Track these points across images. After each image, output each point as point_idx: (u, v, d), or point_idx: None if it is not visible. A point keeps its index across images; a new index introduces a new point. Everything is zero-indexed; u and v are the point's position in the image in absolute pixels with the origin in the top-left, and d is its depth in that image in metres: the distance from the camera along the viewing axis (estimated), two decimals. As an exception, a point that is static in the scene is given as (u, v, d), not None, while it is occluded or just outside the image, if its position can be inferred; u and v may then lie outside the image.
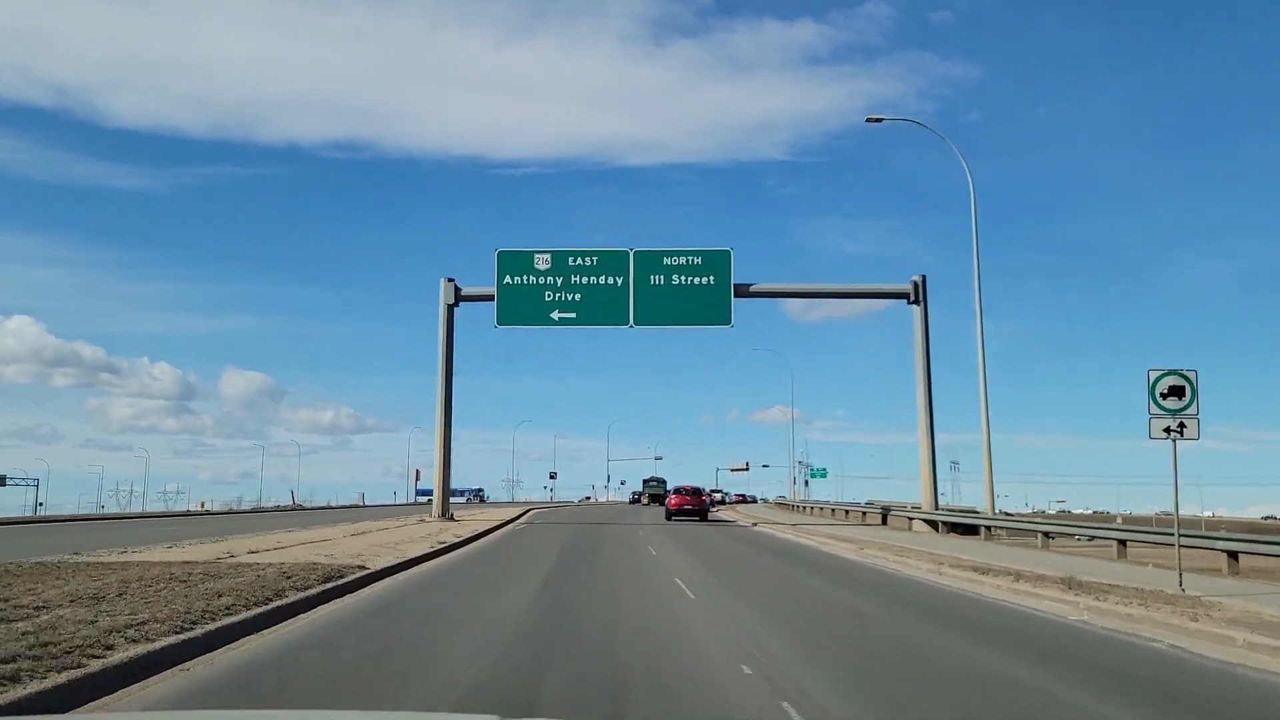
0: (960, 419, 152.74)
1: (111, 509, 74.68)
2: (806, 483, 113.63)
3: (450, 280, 38.64)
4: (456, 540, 24.29)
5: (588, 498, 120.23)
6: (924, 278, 37.07)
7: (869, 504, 50.75)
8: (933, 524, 33.89)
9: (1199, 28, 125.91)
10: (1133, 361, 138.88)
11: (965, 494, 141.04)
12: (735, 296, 37.28)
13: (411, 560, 18.00)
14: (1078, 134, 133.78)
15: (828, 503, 64.55)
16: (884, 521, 40.37)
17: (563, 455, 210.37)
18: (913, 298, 37.06)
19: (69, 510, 67.20)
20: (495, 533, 30.40)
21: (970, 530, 31.34)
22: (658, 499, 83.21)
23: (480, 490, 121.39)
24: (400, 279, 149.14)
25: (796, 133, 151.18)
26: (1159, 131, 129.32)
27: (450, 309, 38.67)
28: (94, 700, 6.59)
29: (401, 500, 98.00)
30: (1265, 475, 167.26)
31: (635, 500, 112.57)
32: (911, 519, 36.39)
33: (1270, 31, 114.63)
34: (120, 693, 6.87)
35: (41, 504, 75.58)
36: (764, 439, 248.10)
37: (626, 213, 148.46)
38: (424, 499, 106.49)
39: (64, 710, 6.19)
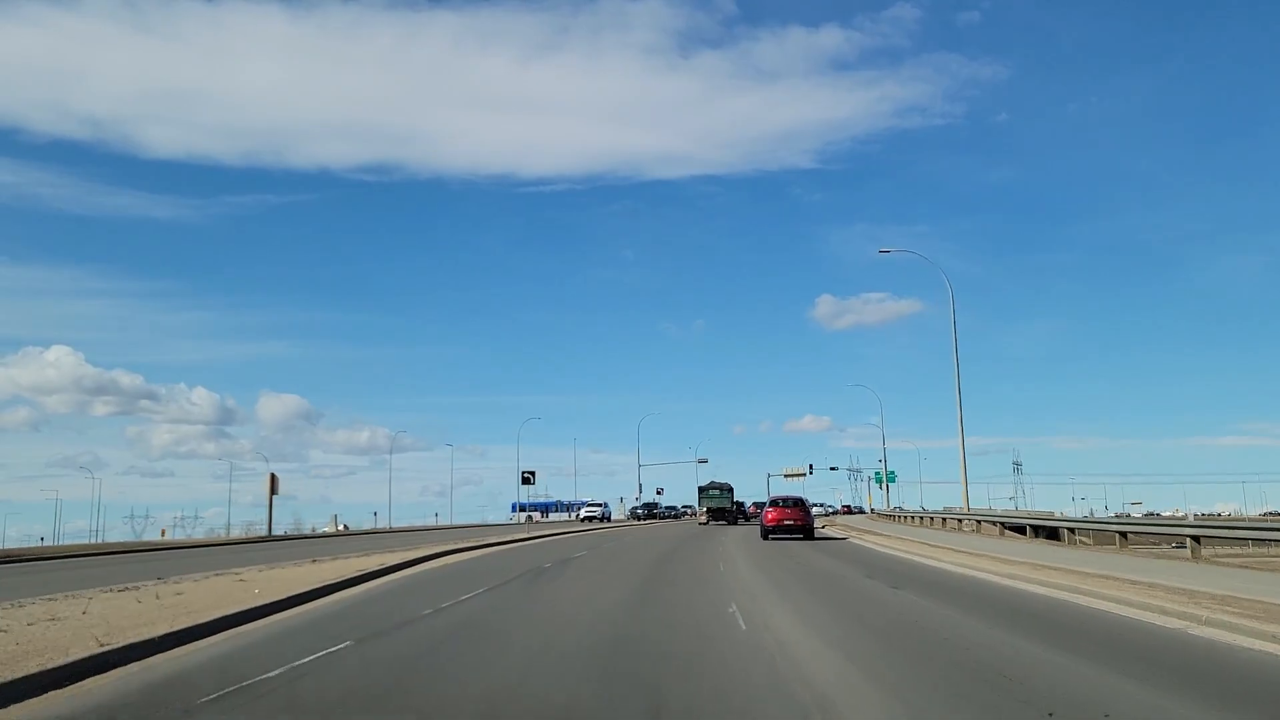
0: (1009, 422, 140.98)
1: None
2: (887, 487, 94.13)
3: None
4: None
5: (652, 508, 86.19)
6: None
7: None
8: None
9: (1225, 20, 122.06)
10: (1167, 360, 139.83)
11: (1031, 498, 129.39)
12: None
13: None
14: (1107, 131, 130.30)
15: (978, 513, 42.65)
16: None
17: (597, 470, 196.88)
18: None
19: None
20: None
21: None
22: (722, 515, 61.34)
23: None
24: (431, 299, 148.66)
25: (823, 139, 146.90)
26: (1189, 126, 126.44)
27: None
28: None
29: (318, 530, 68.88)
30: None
31: (660, 514, 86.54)
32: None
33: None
34: None
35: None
36: (799, 448, 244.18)
37: (654, 226, 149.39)
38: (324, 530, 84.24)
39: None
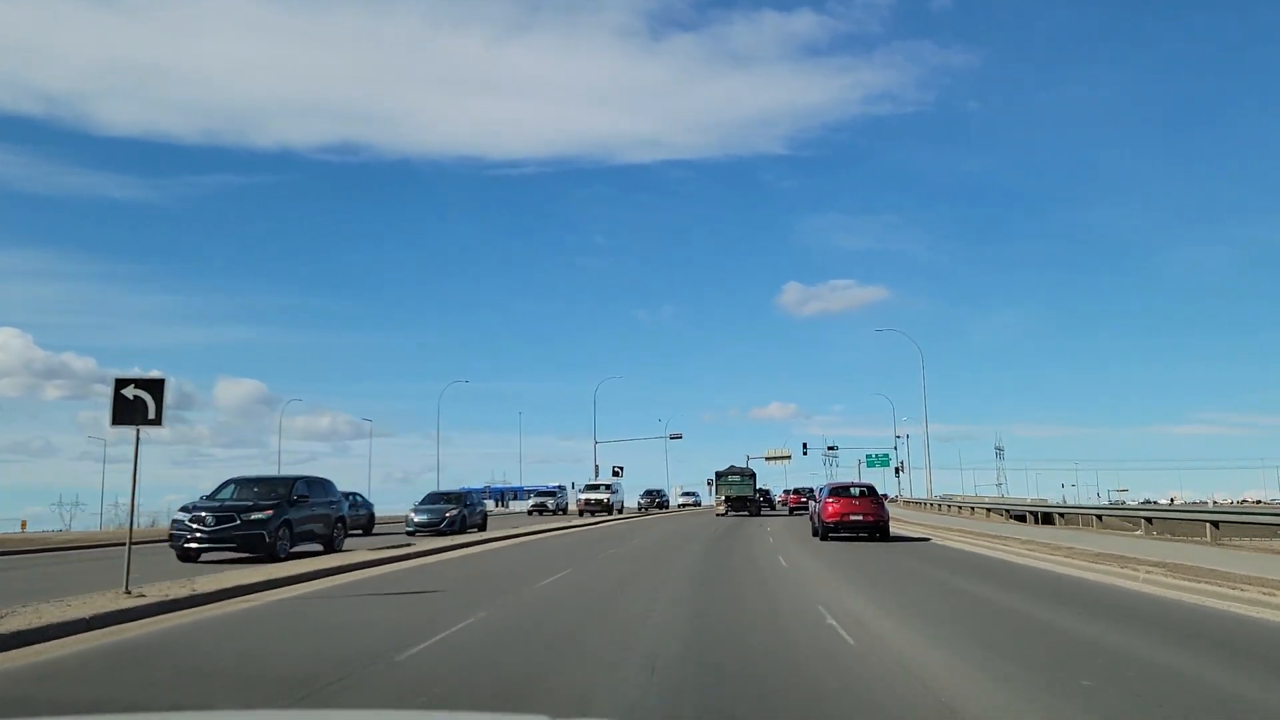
0: (972, 409, 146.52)
1: None
2: (930, 473, 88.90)
3: None
4: None
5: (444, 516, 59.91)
6: None
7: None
8: None
9: (1199, 9, 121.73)
10: (1128, 350, 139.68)
11: (1008, 485, 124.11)
12: None
13: None
14: (1077, 121, 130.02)
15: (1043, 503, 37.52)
16: None
17: (565, 456, 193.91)
18: None
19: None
20: None
21: None
22: (744, 505, 55.34)
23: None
24: (396, 284, 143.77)
25: (795, 126, 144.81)
26: (1157, 117, 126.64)
27: None
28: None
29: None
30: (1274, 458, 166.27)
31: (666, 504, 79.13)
32: None
33: (1271, 12, 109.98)
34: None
35: None
36: (767, 434, 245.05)
37: (625, 211, 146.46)
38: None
39: None
